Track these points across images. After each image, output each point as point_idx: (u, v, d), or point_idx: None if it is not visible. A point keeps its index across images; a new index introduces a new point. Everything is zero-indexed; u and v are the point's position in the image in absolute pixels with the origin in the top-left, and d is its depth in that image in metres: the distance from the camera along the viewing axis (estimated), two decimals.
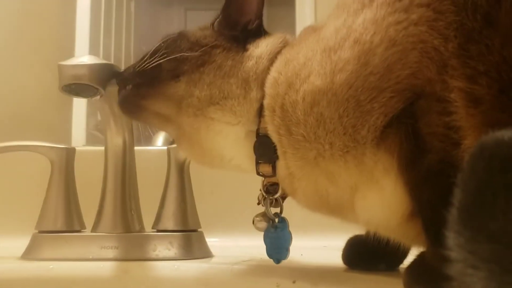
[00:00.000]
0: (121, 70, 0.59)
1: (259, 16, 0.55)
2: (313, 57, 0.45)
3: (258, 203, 0.55)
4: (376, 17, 0.42)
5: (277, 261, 0.54)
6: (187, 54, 0.52)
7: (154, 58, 0.52)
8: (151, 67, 0.52)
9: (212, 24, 0.57)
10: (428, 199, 0.39)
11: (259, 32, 0.55)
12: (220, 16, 0.56)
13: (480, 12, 0.37)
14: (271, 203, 0.54)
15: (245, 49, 0.53)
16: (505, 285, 0.22)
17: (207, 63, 0.52)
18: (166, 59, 0.52)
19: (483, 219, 0.23)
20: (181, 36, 0.55)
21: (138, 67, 0.54)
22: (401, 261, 0.54)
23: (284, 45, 0.53)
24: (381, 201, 0.43)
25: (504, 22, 0.36)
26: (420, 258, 0.43)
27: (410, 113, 0.41)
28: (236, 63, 0.52)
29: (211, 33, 0.55)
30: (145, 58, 0.53)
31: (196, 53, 0.52)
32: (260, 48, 0.53)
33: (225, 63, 0.52)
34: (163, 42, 0.54)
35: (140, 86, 0.54)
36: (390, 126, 0.41)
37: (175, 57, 0.52)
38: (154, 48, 0.54)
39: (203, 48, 0.52)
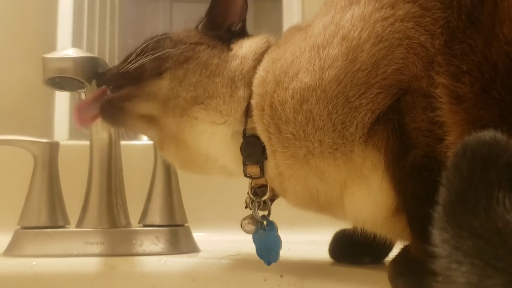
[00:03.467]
0: (102, 71, 0.58)
1: (243, 19, 0.56)
2: (301, 54, 0.46)
3: (246, 207, 0.55)
4: (364, 14, 0.43)
5: (268, 263, 0.54)
6: (169, 51, 0.52)
7: (138, 59, 0.52)
8: (134, 67, 0.52)
9: (197, 27, 0.57)
10: (413, 193, 0.40)
11: (243, 34, 0.56)
12: (205, 19, 0.57)
13: (464, 12, 0.38)
14: (258, 206, 0.54)
15: (229, 49, 0.54)
16: (486, 278, 0.23)
17: (190, 60, 0.51)
18: (149, 58, 0.51)
19: (467, 216, 0.24)
20: (164, 36, 0.55)
21: (122, 68, 0.53)
22: (386, 255, 0.55)
23: (268, 45, 0.54)
24: (369, 197, 0.44)
25: (486, 23, 0.37)
26: (404, 252, 0.45)
27: (396, 109, 0.41)
28: (221, 62, 0.52)
29: (196, 33, 0.55)
30: (129, 60, 0.53)
31: (179, 50, 0.52)
32: (244, 48, 0.53)
33: (210, 61, 0.52)
34: (147, 43, 0.54)
35: (123, 87, 0.53)
36: (377, 123, 0.42)
37: (159, 55, 0.51)
38: (137, 49, 0.53)
39: (186, 45, 0.52)
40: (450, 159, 0.27)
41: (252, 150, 0.50)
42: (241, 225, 0.54)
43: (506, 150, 0.25)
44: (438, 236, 0.25)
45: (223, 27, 0.55)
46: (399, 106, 0.41)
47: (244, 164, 0.51)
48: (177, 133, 0.52)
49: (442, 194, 0.26)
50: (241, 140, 0.51)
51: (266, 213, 0.55)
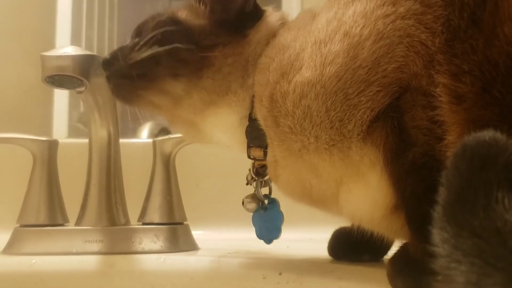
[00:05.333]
0: (107, 57, 0.55)
1: None
2: (306, 48, 0.45)
3: (247, 184, 0.56)
4: (366, 10, 0.43)
5: (269, 241, 0.55)
6: (186, 55, 0.50)
7: (148, 47, 0.50)
8: (148, 58, 0.50)
9: (200, 3, 0.53)
10: (412, 192, 0.40)
11: (257, 12, 0.53)
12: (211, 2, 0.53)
13: (467, 10, 0.38)
14: (260, 184, 0.55)
15: (244, 36, 0.52)
16: (486, 277, 0.23)
17: (205, 67, 0.50)
18: (160, 50, 0.49)
19: (466, 215, 0.24)
20: (177, 25, 0.52)
21: (131, 59, 0.51)
22: (385, 252, 0.56)
23: (282, 26, 0.53)
24: (366, 194, 0.44)
25: (488, 23, 0.36)
26: (403, 249, 0.45)
27: (396, 107, 0.41)
28: (236, 58, 0.51)
29: (210, 28, 0.51)
30: (138, 48, 0.51)
31: (196, 57, 0.50)
32: (259, 34, 0.52)
33: (224, 63, 0.51)
34: (155, 29, 0.51)
35: (136, 78, 0.51)
36: (376, 120, 0.42)
37: (172, 54, 0.50)
38: (147, 37, 0.51)
39: (203, 54, 0.50)
40: (450, 159, 0.27)
41: (257, 133, 0.50)
42: (243, 203, 0.55)
43: (505, 150, 0.25)
44: (437, 235, 0.25)
45: (233, 4, 0.52)
46: (398, 104, 0.41)
47: (248, 147, 0.52)
48: (189, 120, 0.54)
49: (442, 194, 0.26)
50: (247, 123, 0.52)
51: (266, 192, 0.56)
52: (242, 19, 0.52)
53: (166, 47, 0.50)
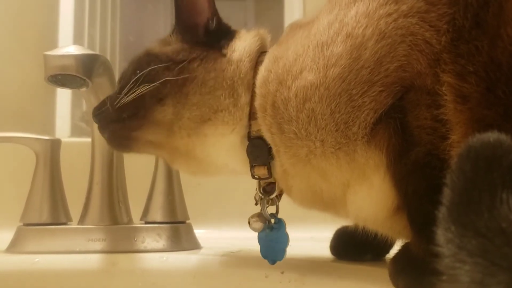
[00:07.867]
0: (98, 108, 0.55)
1: (215, 12, 0.54)
2: (305, 52, 0.45)
3: (256, 204, 0.55)
4: (369, 10, 0.42)
5: (273, 262, 0.54)
6: (168, 78, 0.50)
7: (133, 89, 0.50)
8: (133, 99, 0.50)
9: (171, 34, 0.55)
10: (414, 191, 0.40)
11: (225, 30, 0.54)
12: (176, 25, 0.55)
13: (471, 11, 0.38)
14: (267, 203, 0.54)
15: (222, 55, 0.52)
16: (489, 276, 0.23)
17: (188, 81, 0.50)
18: (146, 89, 0.50)
19: (471, 216, 0.24)
20: (151, 56, 0.53)
21: (118, 102, 0.51)
22: (387, 252, 0.56)
23: (261, 42, 0.53)
24: (370, 195, 0.44)
25: (492, 24, 0.36)
26: (405, 249, 0.45)
27: (399, 107, 0.41)
28: (218, 73, 0.51)
29: (181, 47, 0.53)
30: (124, 92, 0.51)
31: (175, 73, 0.50)
32: (238, 52, 0.52)
33: (207, 77, 0.51)
34: (133, 68, 0.52)
35: (127, 120, 0.52)
36: (379, 122, 0.42)
37: (153, 77, 0.50)
38: (127, 78, 0.52)
39: (180, 66, 0.51)
40: (454, 160, 0.27)
41: (259, 152, 0.50)
42: (249, 223, 0.54)
43: (510, 151, 0.25)
44: (442, 236, 0.25)
45: (198, 27, 0.53)
46: (401, 104, 0.41)
47: (252, 166, 0.51)
48: (187, 151, 0.53)
49: (446, 195, 0.26)
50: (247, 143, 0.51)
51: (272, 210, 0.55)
52: (211, 38, 0.53)
53: (153, 84, 0.49)
